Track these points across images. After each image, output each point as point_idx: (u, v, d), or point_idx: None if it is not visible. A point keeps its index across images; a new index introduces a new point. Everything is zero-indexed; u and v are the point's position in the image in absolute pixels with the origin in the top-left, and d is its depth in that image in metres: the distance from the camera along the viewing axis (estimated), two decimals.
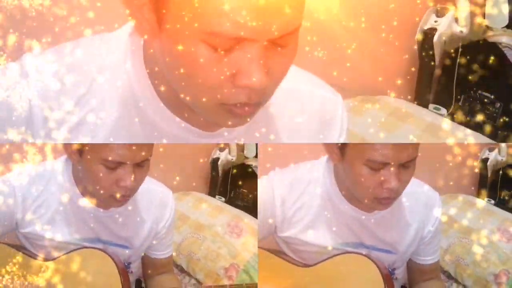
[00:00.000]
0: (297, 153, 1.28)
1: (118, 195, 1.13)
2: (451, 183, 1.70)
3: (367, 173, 1.10)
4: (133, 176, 1.11)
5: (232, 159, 2.01)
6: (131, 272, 1.34)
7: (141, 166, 1.13)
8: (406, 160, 1.08)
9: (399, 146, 1.08)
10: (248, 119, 0.91)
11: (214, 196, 1.98)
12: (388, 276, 1.23)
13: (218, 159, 2.02)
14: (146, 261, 1.39)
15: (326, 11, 1.16)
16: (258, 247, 1.31)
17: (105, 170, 1.10)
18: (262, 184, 1.25)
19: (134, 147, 1.09)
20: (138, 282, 1.41)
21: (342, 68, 1.45)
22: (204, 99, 0.85)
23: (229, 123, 0.90)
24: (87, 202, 1.22)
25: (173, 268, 1.51)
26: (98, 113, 0.93)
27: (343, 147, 1.11)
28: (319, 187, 1.23)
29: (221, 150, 2.03)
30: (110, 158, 1.09)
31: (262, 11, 0.78)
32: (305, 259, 1.27)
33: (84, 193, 1.22)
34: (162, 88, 0.93)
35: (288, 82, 0.94)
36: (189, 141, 0.97)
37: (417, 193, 1.26)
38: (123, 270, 1.27)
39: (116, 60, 0.94)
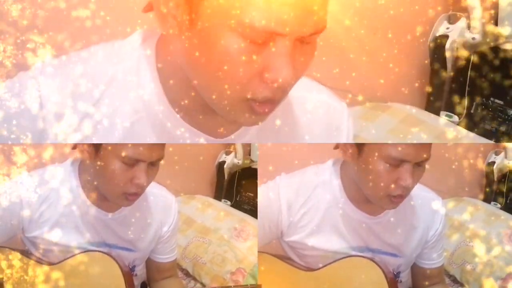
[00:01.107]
0: (298, 155, 1.30)
1: (130, 193, 1.16)
2: (457, 186, 1.70)
3: (384, 169, 1.12)
4: (146, 175, 1.14)
5: (238, 162, 1.99)
6: (136, 275, 1.35)
7: (154, 165, 1.16)
8: (422, 160, 1.12)
9: (417, 145, 1.13)
10: (264, 118, 0.93)
11: (220, 200, 1.97)
12: (392, 280, 1.24)
13: (224, 162, 2.01)
14: (150, 265, 1.41)
15: (336, 21, 1.16)
16: (260, 252, 1.32)
17: (122, 167, 1.13)
18: (268, 188, 1.27)
19: (151, 146, 1.12)
20: (143, 285, 1.42)
21: (353, 75, 1.44)
22: (229, 94, 0.87)
23: (247, 120, 0.92)
24: (92, 206, 1.24)
25: (177, 272, 1.53)
26: (111, 119, 0.96)
27: (360, 145, 1.14)
28: (326, 191, 1.24)
29: (227, 153, 2.02)
30: (129, 155, 1.11)
31: (297, 7, 0.81)
32: (310, 263, 1.28)
33: (90, 196, 1.23)
34: (174, 95, 0.96)
35: (298, 90, 0.98)
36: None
37: (421, 197, 1.28)
38: (127, 273, 1.29)
39: (129, 68, 0.96)
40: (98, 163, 1.14)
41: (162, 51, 0.96)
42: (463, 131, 1.52)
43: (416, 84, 1.64)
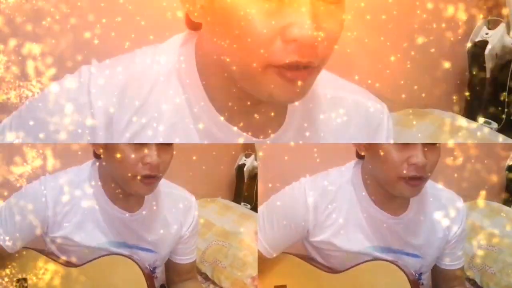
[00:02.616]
0: (304, 154, 1.31)
1: (144, 174, 1.14)
2: (478, 189, 1.69)
3: (393, 150, 1.12)
4: (157, 154, 1.13)
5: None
6: (156, 277, 1.34)
7: (165, 144, 1.14)
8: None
9: None
10: (304, 90, 0.91)
11: (239, 203, 1.95)
12: (415, 282, 1.24)
13: (244, 165, 2.00)
14: (170, 266, 1.40)
15: (371, 22, 1.15)
16: (285, 252, 1.32)
17: (131, 148, 1.12)
18: (293, 189, 1.27)
19: None
20: (162, 287, 1.41)
21: (389, 81, 1.43)
22: (254, 64, 0.87)
23: (284, 94, 0.90)
24: (113, 205, 1.24)
25: (197, 275, 1.51)
26: (154, 122, 0.98)
27: None
28: (349, 191, 1.25)
29: (247, 156, 2.01)
30: None
31: None
32: (334, 264, 1.28)
33: (111, 196, 1.24)
34: (216, 95, 0.98)
35: (334, 90, 1.01)
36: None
37: (442, 197, 1.28)
38: (149, 275, 1.28)
39: (170, 69, 0.98)
40: (110, 152, 1.15)
41: (201, 48, 0.98)
42: (502, 138, 1.50)
43: (455, 90, 1.63)
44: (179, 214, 1.34)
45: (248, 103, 0.97)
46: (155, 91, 0.97)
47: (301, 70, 0.88)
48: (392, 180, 1.15)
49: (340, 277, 1.26)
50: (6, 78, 1.24)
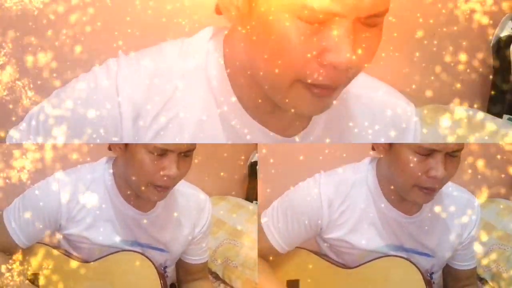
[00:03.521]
0: (307, 154, 1.32)
1: (159, 184, 1.15)
2: (490, 187, 1.67)
3: (414, 160, 1.13)
4: (177, 166, 1.13)
5: None
6: (167, 276, 1.35)
7: (185, 156, 1.15)
8: (454, 149, 1.12)
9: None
10: (329, 103, 0.93)
11: (251, 201, 1.93)
12: (428, 281, 1.26)
13: (256, 163, 1.96)
14: (181, 266, 1.41)
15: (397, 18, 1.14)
16: (301, 248, 1.32)
17: (150, 158, 1.13)
18: (309, 186, 1.28)
19: None
20: (172, 286, 1.42)
21: (412, 76, 1.41)
22: (285, 78, 0.88)
23: (310, 107, 0.92)
24: (126, 204, 1.25)
25: (208, 275, 1.52)
26: (181, 117, 0.98)
27: None
28: (363, 189, 1.26)
29: None
30: (158, 145, 1.11)
31: None
32: (347, 261, 1.30)
33: (124, 194, 1.25)
34: (243, 92, 0.99)
35: (363, 89, 1.02)
36: None
37: (456, 197, 1.29)
38: (162, 274, 1.30)
39: (198, 64, 0.99)
40: (128, 155, 1.15)
41: (229, 46, 0.99)
42: None
43: (478, 86, 1.60)
44: (193, 215, 1.34)
45: (274, 102, 0.97)
46: (181, 86, 0.98)
47: (328, 88, 0.90)
48: (408, 187, 1.17)
49: (354, 272, 1.27)
50: (5, 73, 1.24)
